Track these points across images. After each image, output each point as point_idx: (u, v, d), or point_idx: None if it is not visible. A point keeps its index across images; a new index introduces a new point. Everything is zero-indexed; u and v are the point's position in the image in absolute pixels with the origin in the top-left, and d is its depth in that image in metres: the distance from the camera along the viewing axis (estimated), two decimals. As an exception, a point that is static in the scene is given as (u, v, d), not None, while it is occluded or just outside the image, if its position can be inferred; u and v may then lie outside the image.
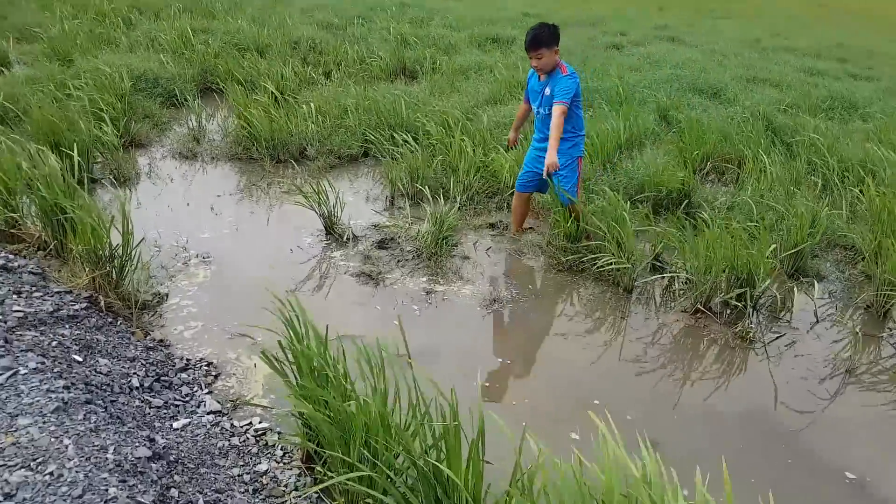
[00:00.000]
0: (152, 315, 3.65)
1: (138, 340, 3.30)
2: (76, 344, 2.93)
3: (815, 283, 4.26)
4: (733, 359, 3.63)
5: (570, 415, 3.11)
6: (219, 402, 2.97)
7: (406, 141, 5.96)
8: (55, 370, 2.50)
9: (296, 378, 2.56)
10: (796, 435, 3.11)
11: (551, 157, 3.99)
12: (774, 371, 3.54)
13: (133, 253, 3.57)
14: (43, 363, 2.52)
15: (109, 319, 3.35)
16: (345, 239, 4.66)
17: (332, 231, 4.71)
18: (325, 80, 8.44)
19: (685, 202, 5.09)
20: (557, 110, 4.04)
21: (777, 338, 3.79)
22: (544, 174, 4.04)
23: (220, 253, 4.36)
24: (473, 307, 3.92)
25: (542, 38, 4.03)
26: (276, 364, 2.56)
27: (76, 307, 3.21)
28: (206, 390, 3.05)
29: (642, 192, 5.19)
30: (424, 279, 4.20)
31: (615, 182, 5.36)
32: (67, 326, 3.04)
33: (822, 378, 3.51)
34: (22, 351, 2.61)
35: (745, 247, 3.94)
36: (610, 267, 4.16)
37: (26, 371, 2.43)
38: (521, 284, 4.23)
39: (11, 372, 2.43)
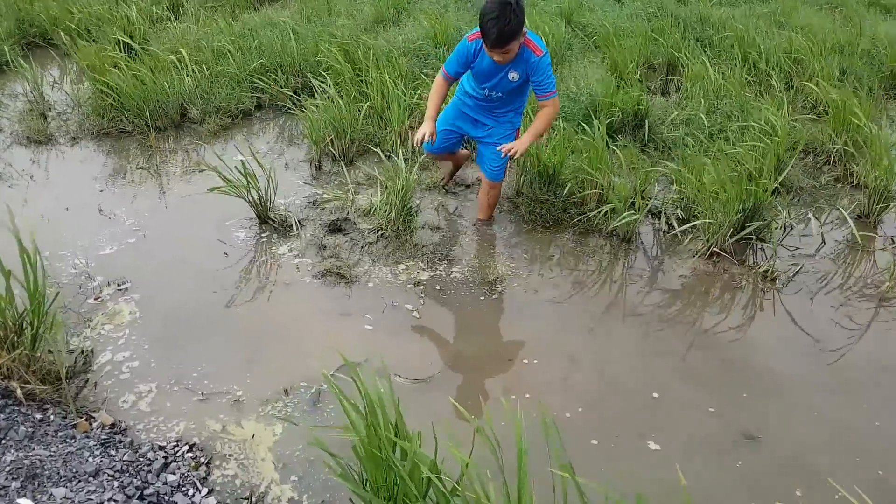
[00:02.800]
0: (83, 385, 2.77)
1: (84, 434, 2.47)
2: (15, 478, 2.08)
3: (800, 197, 4.11)
4: (778, 307, 3.37)
5: (638, 418, 2.72)
6: (230, 505, 2.28)
7: (320, 87, 5.04)
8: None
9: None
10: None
11: (523, 145, 3.32)
12: (822, 312, 3.34)
13: (48, 312, 2.63)
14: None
15: (38, 416, 2.46)
16: (286, 226, 3.86)
17: (268, 218, 3.88)
18: (174, 16, 7.08)
19: (643, 124, 4.71)
20: (551, 108, 3.34)
21: (798, 270, 3.59)
22: (503, 154, 3.35)
23: (137, 274, 3.44)
24: (475, 295, 3.37)
25: (514, 28, 2.99)
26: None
27: (-10, 417, 2.31)
28: (206, 490, 2.33)
29: (591, 117, 4.73)
30: (403, 267, 3.55)
31: (562, 109, 4.86)
32: (-11, 453, 2.17)
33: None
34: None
35: (746, 173, 3.65)
36: (606, 217, 3.74)
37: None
38: (513, 253, 3.70)
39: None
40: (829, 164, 4.58)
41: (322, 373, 2.03)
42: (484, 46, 3.12)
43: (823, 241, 3.83)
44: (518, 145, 3.32)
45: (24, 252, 2.51)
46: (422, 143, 3.37)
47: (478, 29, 3.15)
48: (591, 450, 2.58)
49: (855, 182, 4.37)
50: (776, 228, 3.71)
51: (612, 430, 2.66)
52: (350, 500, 2.22)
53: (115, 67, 5.09)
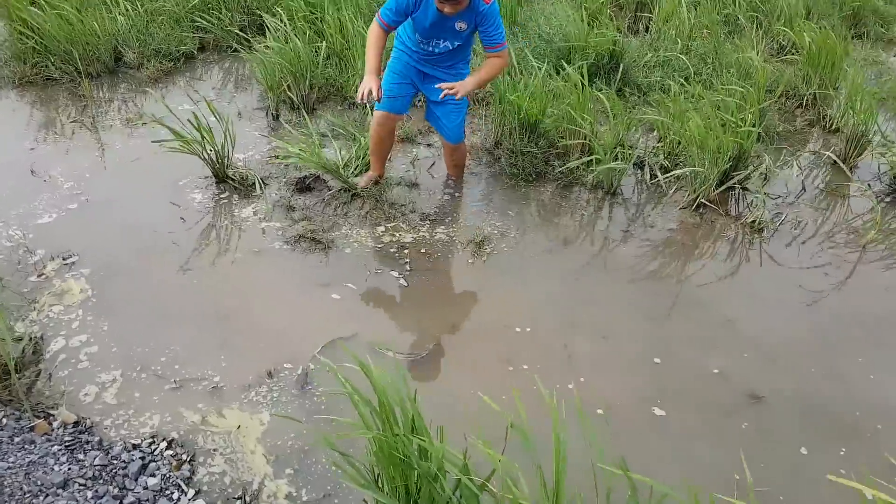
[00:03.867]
0: (35, 378, 2.46)
1: (45, 437, 2.19)
2: (-32, 501, 1.81)
3: (777, 142, 4.03)
4: (769, 259, 3.30)
5: (641, 384, 2.62)
6: (222, 508, 2.07)
7: (274, 25, 4.59)
8: None
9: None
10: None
11: (465, 87, 2.99)
12: (812, 262, 3.28)
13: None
14: None
15: (-12, 419, 2.17)
16: (248, 185, 3.53)
17: (227, 177, 3.53)
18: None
19: (618, 66, 4.50)
20: (501, 60, 3.05)
21: (783, 220, 3.52)
22: (442, 95, 2.97)
23: (84, 245, 3.08)
24: (463, 258, 3.16)
25: None
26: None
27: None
28: (192, 492, 2.10)
29: (567, 59, 4.49)
30: (382, 229, 3.30)
31: (534, 50, 4.59)
32: (-65, 472, 1.88)
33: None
34: None
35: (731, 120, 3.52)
36: (590, 168, 3.57)
37: None
38: (497, 210, 3.49)
39: None
40: (802, 107, 4.51)
41: (325, 364, 1.80)
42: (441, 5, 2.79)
43: (804, 189, 3.78)
44: (460, 86, 2.98)
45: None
46: (367, 98, 2.90)
47: None
48: (597, 420, 2.46)
49: (829, 126, 4.32)
50: (760, 177, 3.63)
51: (615, 399, 2.55)
52: (364, 500, 2.04)
53: (33, 4, 4.50)
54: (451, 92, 2.95)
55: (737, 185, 3.63)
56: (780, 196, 3.73)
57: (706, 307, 3.01)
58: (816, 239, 3.46)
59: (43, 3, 4.46)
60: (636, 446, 2.35)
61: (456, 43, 3.07)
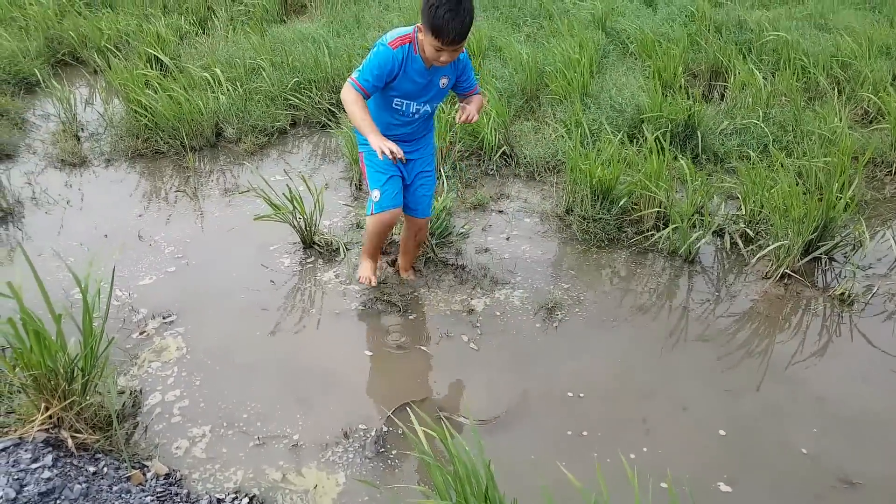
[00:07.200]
0: (133, 430, 2.65)
1: (139, 486, 2.34)
2: (71, 545, 1.96)
3: (866, 211, 3.90)
4: (862, 334, 3.16)
5: (715, 460, 2.54)
6: (298, 565, 2.14)
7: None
8: None
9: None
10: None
11: (474, 110, 2.83)
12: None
13: (102, 358, 2.51)
14: None
15: (91, 469, 2.34)
16: (332, 250, 3.72)
17: (313, 243, 3.74)
18: (202, 30, 6.98)
19: (694, 134, 4.51)
20: (483, 99, 3.01)
21: (874, 292, 3.38)
22: (461, 120, 2.79)
23: (182, 306, 3.31)
24: (533, 323, 3.20)
25: (472, 18, 2.57)
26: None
27: (45, 472, 2.18)
28: (271, 547, 2.19)
29: (639, 129, 4.55)
30: (455, 293, 3.39)
31: (606, 119, 4.68)
32: (45, 516, 2.04)
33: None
34: None
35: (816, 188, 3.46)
36: (668, 237, 3.57)
37: None
38: (568, 277, 3.53)
39: None
40: (892, 174, 4.37)
41: (401, 428, 1.86)
42: (432, 46, 2.59)
43: (896, 260, 3.63)
44: (472, 109, 2.81)
45: (85, 289, 2.39)
46: (395, 157, 2.63)
47: (401, 33, 2.72)
48: (660, 493, 2.39)
49: (923, 194, 4.16)
50: (848, 247, 3.52)
51: (682, 472, 2.46)
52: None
53: (147, 87, 4.99)
54: (465, 116, 2.78)
55: (823, 255, 3.52)
56: (870, 267, 3.59)
57: (793, 383, 2.89)
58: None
59: (156, 85, 4.93)
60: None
61: (435, 104, 2.94)
